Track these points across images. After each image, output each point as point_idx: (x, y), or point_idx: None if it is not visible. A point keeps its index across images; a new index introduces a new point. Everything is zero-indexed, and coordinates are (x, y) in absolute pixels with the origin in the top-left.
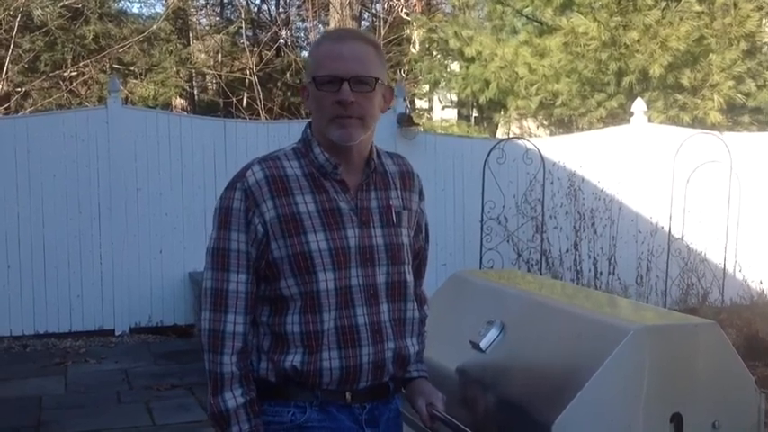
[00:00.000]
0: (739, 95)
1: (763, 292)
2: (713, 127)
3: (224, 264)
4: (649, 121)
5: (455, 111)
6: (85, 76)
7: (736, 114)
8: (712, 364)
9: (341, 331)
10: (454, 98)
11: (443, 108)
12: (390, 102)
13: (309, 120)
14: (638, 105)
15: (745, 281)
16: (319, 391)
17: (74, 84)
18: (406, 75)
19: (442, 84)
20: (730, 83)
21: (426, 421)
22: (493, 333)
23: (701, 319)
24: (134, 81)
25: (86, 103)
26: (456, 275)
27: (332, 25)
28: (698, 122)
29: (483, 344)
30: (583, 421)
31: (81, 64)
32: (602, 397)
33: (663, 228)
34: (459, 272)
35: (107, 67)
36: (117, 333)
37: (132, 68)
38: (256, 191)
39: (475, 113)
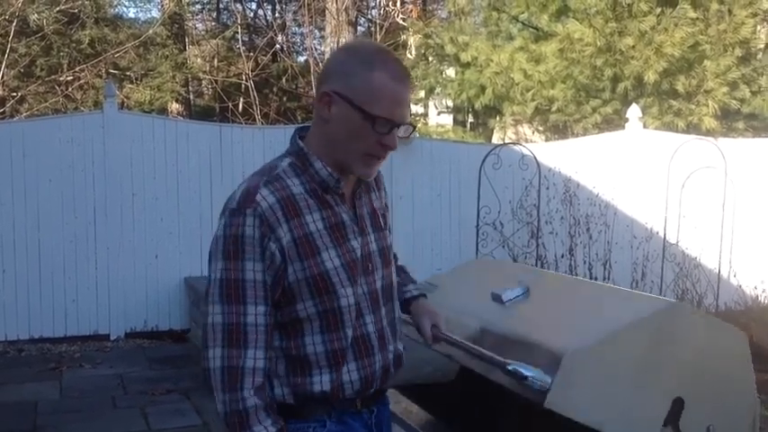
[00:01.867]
0: (734, 101)
1: (757, 297)
2: (708, 133)
3: (238, 296)
4: (644, 126)
5: (451, 116)
6: (81, 81)
7: (731, 120)
8: (724, 363)
9: (357, 342)
10: (450, 104)
11: (439, 113)
12: None
13: (296, 132)
14: (633, 111)
15: (740, 286)
16: (336, 404)
17: (70, 88)
18: None
19: (438, 89)
20: (725, 89)
21: (429, 341)
22: (517, 291)
23: (727, 324)
24: (130, 86)
25: (82, 108)
26: (472, 262)
27: (327, 31)
28: (693, 128)
29: (505, 297)
30: (594, 366)
31: (77, 69)
32: (616, 357)
33: (658, 233)
34: (475, 260)
35: (103, 71)
36: (112, 338)
37: (128, 73)
38: (270, 216)
39: (470, 119)
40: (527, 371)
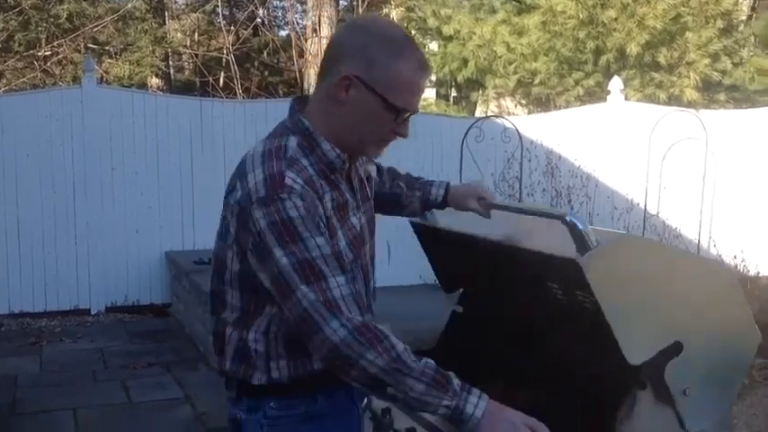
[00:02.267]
0: (715, 73)
1: (737, 266)
2: (689, 105)
3: (317, 274)
4: (626, 99)
5: (433, 90)
6: (60, 56)
7: (712, 92)
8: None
9: None
10: (432, 77)
11: None
12: None
13: (294, 106)
14: (615, 83)
15: (720, 256)
16: (327, 379)
17: (48, 63)
18: None
19: None
20: (706, 61)
21: (487, 215)
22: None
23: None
24: (109, 60)
25: (61, 83)
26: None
27: (309, 4)
28: (674, 100)
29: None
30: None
31: (55, 43)
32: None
33: (638, 204)
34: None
35: (82, 46)
36: (93, 313)
37: (107, 48)
38: (306, 195)
39: (453, 93)
40: (581, 224)
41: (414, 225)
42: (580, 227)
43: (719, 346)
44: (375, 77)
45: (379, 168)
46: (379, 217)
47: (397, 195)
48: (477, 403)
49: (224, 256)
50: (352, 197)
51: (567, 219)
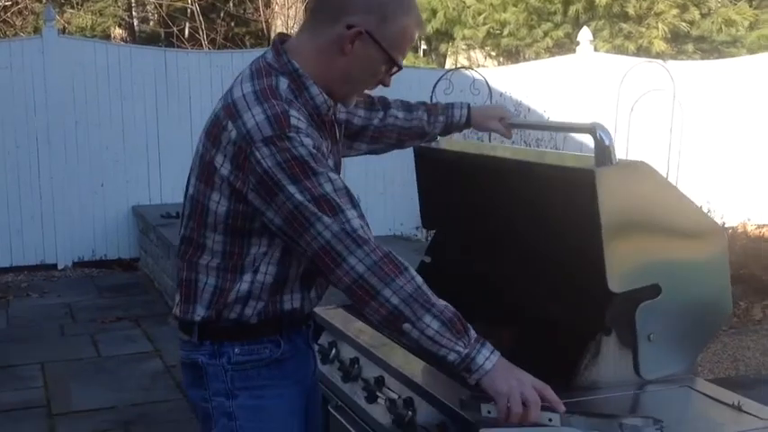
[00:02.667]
0: (683, 24)
1: None
2: (658, 56)
3: (333, 207)
4: (595, 50)
5: None
6: (20, 6)
7: (681, 43)
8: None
9: None
10: None
11: None
12: None
13: (279, 45)
14: (584, 35)
15: None
16: (286, 322)
17: (8, 14)
18: None
19: None
20: (675, 11)
21: (508, 135)
22: None
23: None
24: (71, 11)
25: (21, 34)
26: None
27: None
28: (643, 51)
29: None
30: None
31: None
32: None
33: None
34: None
35: None
36: (60, 267)
37: None
38: (312, 133)
39: (423, 45)
40: (608, 139)
41: (415, 148)
42: (607, 142)
43: (693, 304)
44: (385, 34)
45: (372, 101)
46: (347, 169)
47: (421, 127)
48: (489, 356)
49: (205, 199)
50: (333, 143)
51: (597, 132)
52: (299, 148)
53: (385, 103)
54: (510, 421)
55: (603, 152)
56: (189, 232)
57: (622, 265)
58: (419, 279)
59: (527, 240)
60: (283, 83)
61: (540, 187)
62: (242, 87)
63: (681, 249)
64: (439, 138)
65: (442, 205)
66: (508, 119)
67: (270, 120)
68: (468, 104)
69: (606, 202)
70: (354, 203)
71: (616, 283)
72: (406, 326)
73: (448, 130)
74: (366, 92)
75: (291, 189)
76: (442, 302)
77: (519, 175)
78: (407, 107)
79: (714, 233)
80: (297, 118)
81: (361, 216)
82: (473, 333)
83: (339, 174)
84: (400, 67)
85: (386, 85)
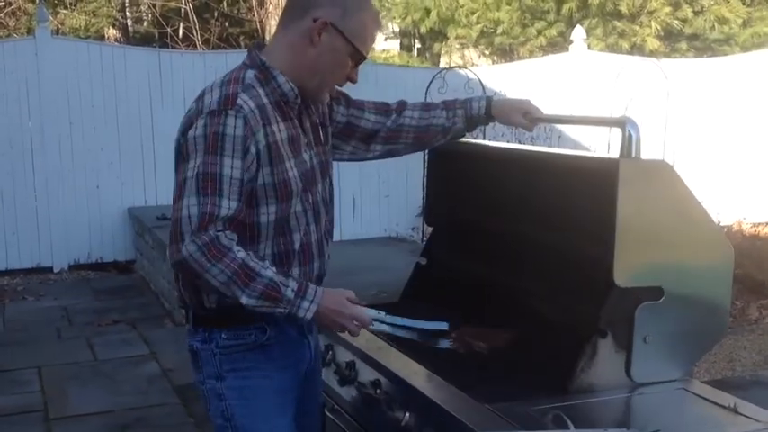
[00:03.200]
0: (676, 22)
1: None
2: (651, 54)
3: (214, 189)
4: (588, 48)
5: (397, 41)
6: (13, 7)
7: (674, 41)
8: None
9: (302, 249)
10: (396, 28)
11: (386, 39)
12: None
13: (253, 47)
14: (578, 33)
15: None
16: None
17: (1, 14)
18: None
19: (383, 12)
20: (667, 9)
21: (530, 128)
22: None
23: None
24: (64, 11)
25: (15, 35)
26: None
27: None
28: (636, 49)
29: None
30: None
31: None
32: None
33: (602, 154)
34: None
35: None
36: (56, 270)
37: None
38: (252, 119)
39: (417, 44)
40: (637, 133)
41: None
42: (635, 136)
43: (692, 313)
44: (347, 26)
45: (388, 107)
46: (343, 171)
47: (440, 124)
48: (309, 307)
49: (176, 178)
50: (303, 134)
51: (626, 125)
52: (227, 128)
53: (401, 106)
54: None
55: (630, 145)
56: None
57: (630, 259)
58: (238, 261)
59: (529, 238)
60: (250, 73)
61: (558, 178)
62: (214, 81)
63: (688, 256)
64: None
65: (449, 199)
66: (534, 114)
67: (221, 98)
68: (489, 97)
69: (625, 193)
70: (240, 197)
71: (622, 277)
72: (234, 300)
73: (470, 124)
74: (342, 89)
75: (198, 160)
76: (258, 278)
77: (537, 167)
78: (425, 107)
79: (722, 245)
80: (244, 101)
81: (236, 210)
82: (291, 289)
83: (320, 169)
84: (365, 57)
85: (353, 80)
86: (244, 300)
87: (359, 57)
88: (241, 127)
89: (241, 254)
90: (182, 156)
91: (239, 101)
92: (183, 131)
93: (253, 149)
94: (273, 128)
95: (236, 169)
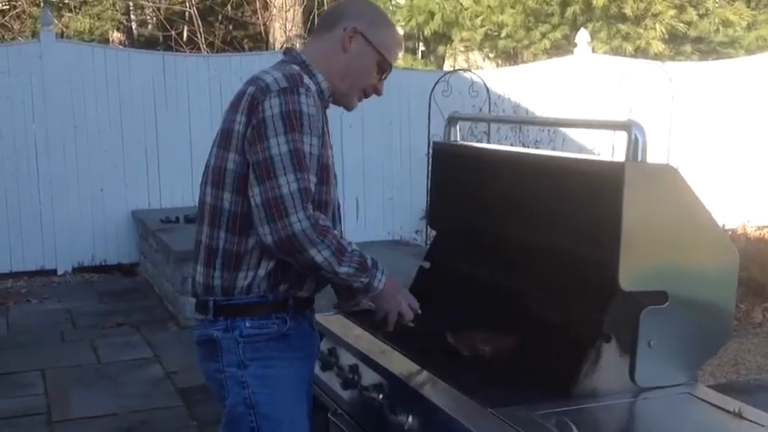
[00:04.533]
0: (681, 24)
1: None
2: (656, 57)
3: (304, 165)
4: (593, 51)
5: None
6: (18, 10)
7: (678, 44)
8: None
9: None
10: (401, 32)
11: None
12: None
13: (253, 54)
14: (582, 36)
15: None
16: (293, 301)
17: (6, 18)
18: None
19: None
20: (672, 12)
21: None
22: None
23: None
24: (69, 14)
25: (20, 39)
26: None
27: None
28: (641, 52)
29: None
30: None
31: None
32: None
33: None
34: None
35: (40, 0)
36: (59, 273)
37: (66, 1)
38: (317, 101)
39: (421, 47)
40: (643, 137)
41: (434, 144)
42: (641, 139)
43: (696, 319)
44: (374, 36)
45: None
46: (347, 174)
47: None
48: (381, 278)
49: (224, 163)
50: (325, 125)
51: (632, 129)
52: (303, 106)
53: None
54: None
55: (636, 149)
56: (211, 199)
57: (635, 263)
58: (337, 237)
59: (533, 242)
60: (295, 68)
61: (564, 182)
62: (259, 75)
63: (692, 260)
64: (458, 135)
65: (453, 203)
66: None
67: (287, 77)
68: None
69: (630, 197)
70: (317, 174)
71: (627, 281)
72: (323, 272)
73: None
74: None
75: (280, 138)
76: (350, 250)
77: (542, 171)
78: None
79: (727, 249)
80: (309, 84)
81: (315, 184)
82: (370, 261)
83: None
84: (390, 67)
85: (378, 92)
86: (343, 269)
87: (385, 65)
88: (314, 106)
89: (335, 231)
90: (257, 135)
91: (306, 81)
92: (249, 111)
93: (324, 128)
94: (322, 117)
95: (314, 146)
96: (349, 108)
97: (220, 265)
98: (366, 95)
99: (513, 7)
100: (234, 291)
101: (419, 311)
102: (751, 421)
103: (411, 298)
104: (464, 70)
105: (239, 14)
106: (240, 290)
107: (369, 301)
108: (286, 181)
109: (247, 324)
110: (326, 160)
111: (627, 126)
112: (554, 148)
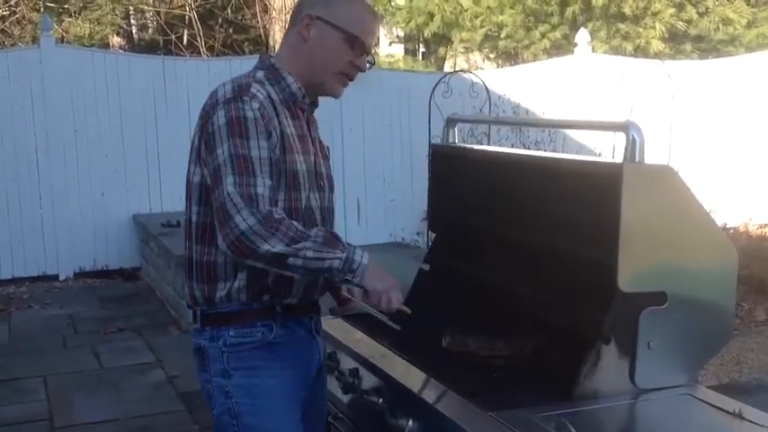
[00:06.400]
0: (680, 23)
1: None
2: (656, 56)
3: (248, 169)
4: (593, 51)
5: (401, 46)
6: (18, 15)
7: (678, 43)
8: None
9: None
10: (400, 32)
11: (390, 44)
12: None
13: (262, 54)
14: (582, 36)
15: None
16: (280, 308)
17: (6, 23)
18: None
19: (387, 17)
20: (671, 10)
21: (339, 310)
22: None
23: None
24: (69, 20)
25: (20, 44)
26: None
27: None
28: (641, 51)
29: None
30: None
31: (12, 2)
32: None
33: (605, 157)
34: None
35: (40, 5)
36: (61, 278)
37: (66, 6)
38: (267, 105)
39: (422, 48)
40: (640, 138)
41: (433, 146)
42: (638, 140)
43: (696, 319)
44: (333, 14)
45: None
46: (348, 175)
47: None
48: (363, 254)
49: (190, 176)
50: (310, 138)
51: (630, 130)
52: (246, 111)
53: None
54: (377, 308)
55: (635, 150)
56: (186, 212)
57: (634, 264)
58: (294, 227)
59: (533, 243)
60: (260, 73)
61: (563, 183)
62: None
63: (692, 261)
64: (457, 137)
65: (452, 204)
66: (353, 294)
67: (234, 87)
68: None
69: (629, 198)
70: (271, 175)
71: (626, 282)
72: (291, 260)
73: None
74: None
75: (225, 146)
76: (313, 231)
77: (541, 172)
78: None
79: (726, 250)
80: (258, 90)
81: (272, 188)
82: (344, 240)
83: (327, 182)
84: (365, 44)
85: (360, 68)
86: (309, 253)
87: (354, 40)
88: (258, 110)
89: (295, 222)
90: (207, 148)
91: (252, 89)
92: (202, 126)
93: (274, 133)
94: (283, 120)
95: (264, 149)
96: (334, 95)
97: (198, 276)
98: (349, 78)
99: (512, 7)
100: (215, 301)
101: (403, 308)
102: (751, 422)
103: (395, 283)
104: (464, 71)
105: (239, 18)
106: (220, 300)
107: (359, 284)
108: (225, 188)
109: (231, 333)
110: (294, 166)
111: (625, 127)
112: (554, 148)
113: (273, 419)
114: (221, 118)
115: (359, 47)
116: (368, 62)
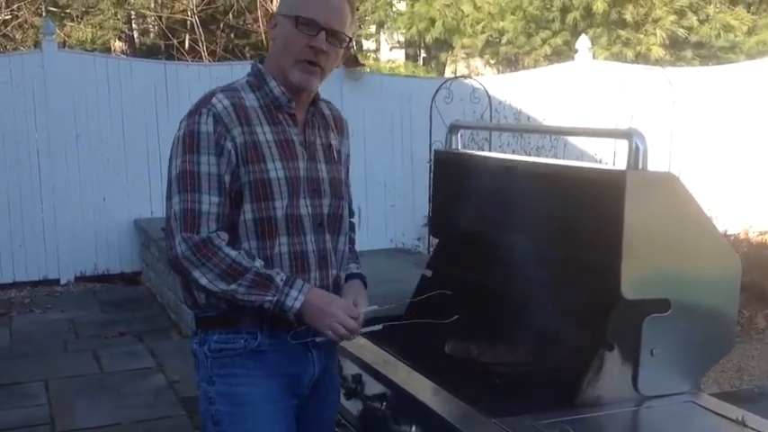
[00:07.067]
0: (681, 30)
1: None
2: (656, 62)
3: (194, 186)
4: (593, 57)
5: (402, 51)
6: (20, 20)
7: (679, 49)
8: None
9: (293, 256)
10: (401, 38)
11: (391, 49)
12: (342, 60)
13: (256, 58)
14: (583, 42)
15: None
16: (267, 316)
17: (8, 28)
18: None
19: (388, 23)
20: (672, 17)
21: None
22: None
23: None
24: (70, 24)
25: (22, 48)
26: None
27: None
28: (641, 58)
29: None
30: None
31: (14, 6)
32: None
33: (607, 164)
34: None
35: (42, 9)
36: (62, 282)
37: (68, 11)
38: (226, 116)
39: (423, 54)
40: (643, 145)
41: (435, 152)
42: (642, 147)
43: (699, 326)
44: (284, 7)
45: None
46: (351, 183)
47: None
48: (297, 296)
49: None
50: (301, 143)
51: (633, 137)
52: (201, 126)
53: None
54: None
55: (638, 157)
56: None
57: (637, 271)
58: (228, 259)
59: (535, 250)
60: (244, 80)
61: (566, 189)
62: None
63: (694, 268)
64: (459, 143)
65: (454, 210)
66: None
67: (200, 101)
68: (362, 276)
69: (632, 205)
70: (220, 192)
71: (629, 289)
72: (219, 294)
73: None
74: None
75: (176, 161)
76: (247, 269)
77: (544, 179)
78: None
79: (729, 257)
80: (219, 100)
81: (219, 205)
82: (280, 279)
83: (331, 187)
84: (314, 20)
85: (317, 47)
86: (236, 290)
87: (305, 20)
88: (212, 124)
89: (232, 253)
90: (170, 159)
91: (214, 100)
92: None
93: (229, 145)
94: (255, 128)
95: (213, 165)
96: (302, 86)
97: (182, 282)
98: (312, 63)
99: (513, 13)
100: (199, 304)
101: (358, 330)
102: (754, 430)
103: (342, 315)
104: (465, 77)
105: (241, 23)
106: (204, 305)
107: (296, 321)
108: (171, 203)
109: (215, 338)
110: (264, 174)
111: (628, 135)
112: (555, 154)
113: (254, 429)
114: (181, 130)
115: (306, 24)
116: (327, 41)
